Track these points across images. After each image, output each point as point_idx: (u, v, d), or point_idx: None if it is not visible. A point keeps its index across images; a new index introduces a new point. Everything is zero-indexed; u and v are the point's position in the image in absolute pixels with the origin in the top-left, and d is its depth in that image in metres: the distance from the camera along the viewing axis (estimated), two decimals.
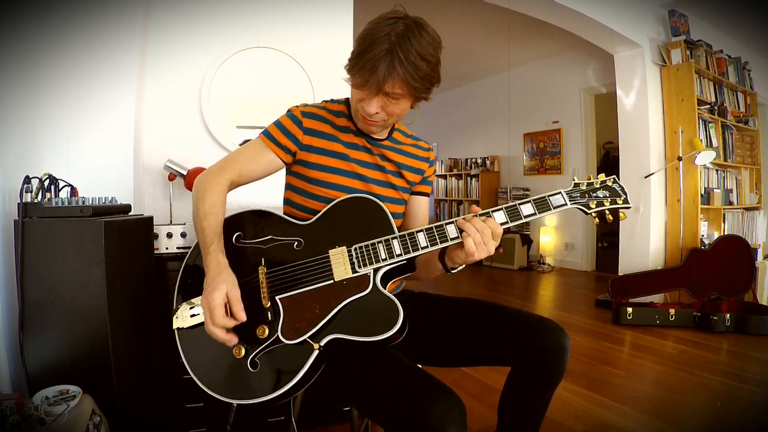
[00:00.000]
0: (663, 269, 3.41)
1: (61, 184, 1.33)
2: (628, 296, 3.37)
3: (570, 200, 0.95)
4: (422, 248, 0.91)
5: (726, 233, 3.78)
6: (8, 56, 1.35)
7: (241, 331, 0.92)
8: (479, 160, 6.35)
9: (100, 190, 1.46)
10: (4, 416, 0.96)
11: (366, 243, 0.92)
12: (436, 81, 0.96)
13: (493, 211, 0.93)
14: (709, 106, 3.81)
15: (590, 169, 5.20)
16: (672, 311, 3.04)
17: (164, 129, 1.94)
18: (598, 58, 4.76)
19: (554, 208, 0.94)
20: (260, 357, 0.88)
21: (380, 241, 0.92)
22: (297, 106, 1.08)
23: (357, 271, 0.90)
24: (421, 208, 1.19)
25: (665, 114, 3.79)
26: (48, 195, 1.28)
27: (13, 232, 1.18)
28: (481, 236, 0.89)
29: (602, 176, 0.99)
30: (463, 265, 0.99)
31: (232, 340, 0.87)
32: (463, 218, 0.92)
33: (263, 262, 0.96)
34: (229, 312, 0.86)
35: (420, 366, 0.92)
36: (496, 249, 0.93)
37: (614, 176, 0.99)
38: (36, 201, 1.24)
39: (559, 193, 0.95)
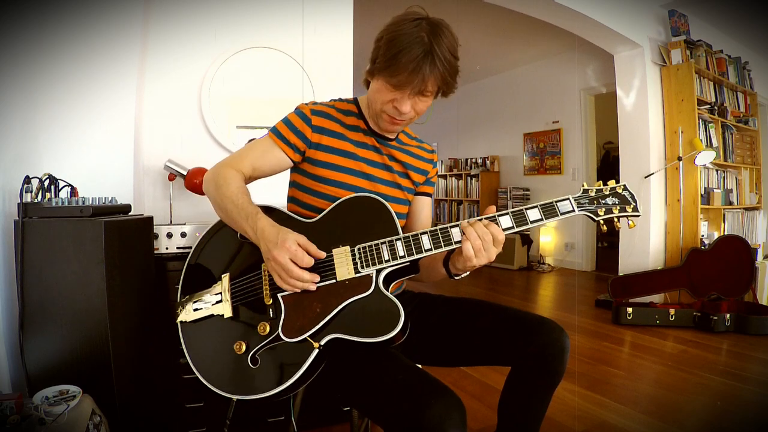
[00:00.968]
0: (663, 269, 3.41)
1: (61, 184, 1.33)
2: (628, 296, 3.37)
3: (578, 207, 0.93)
4: (426, 251, 0.90)
5: (726, 233, 3.77)
6: (8, 56, 1.35)
7: (243, 327, 0.92)
8: (479, 160, 6.36)
9: (100, 190, 1.46)
10: (4, 416, 0.96)
11: (369, 243, 0.91)
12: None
13: (499, 216, 0.91)
14: (709, 106, 3.81)
15: (590, 169, 5.20)
16: (672, 311, 3.04)
17: (164, 129, 1.94)
18: (598, 58, 4.76)
19: (562, 214, 0.92)
20: (261, 354, 0.89)
21: (384, 242, 0.91)
22: (306, 104, 1.07)
23: (360, 272, 0.90)
24: (425, 208, 1.19)
25: (665, 114, 3.79)
26: (48, 195, 1.28)
27: (13, 232, 1.18)
28: (482, 242, 0.88)
29: (612, 183, 0.97)
30: (467, 272, 0.98)
31: (316, 277, 0.88)
32: (468, 222, 0.90)
33: None
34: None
35: (420, 366, 0.92)
36: None
37: (624, 183, 0.97)
38: (36, 201, 1.24)
39: (567, 199, 0.93)
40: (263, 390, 0.86)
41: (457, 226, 0.91)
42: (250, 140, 1.19)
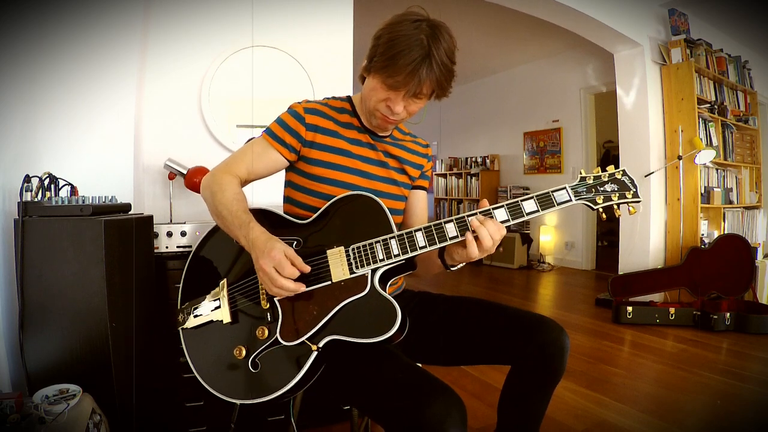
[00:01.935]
0: (663, 268, 3.41)
1: (61, 183, 1.33)
2: (628, 295, 3.37)
3: (575, 196, 0.91)
4: (420, 248, 0.89)
5: (726, 232, 3.77)
6: (8, 56, 1.35)
7: (242, 332, 0.92)
8: (479, 159, 6.35)
9: (100, 189, 1.46)
10: (4, 415, 0.96)
11: (363, 243, 0.91)
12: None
13: (494, 209, 0.90)
14: (709, 105, 3.81)
15: (590, 168, 5.19)
16: (672, 310, 3.04)
17: (164, 128, 1.94)
18: (598, 57, 4.76)
19: (558, 204, 0.90)
20: (260, 358, 0.89)
21: (378, 241, 0.90)
22: (299, 102, 1.07)
23: (355, 272, 0.89)
24: (420, 202, 1.19)
25: (665, 113, 3.79)
26: (48, 194, 1.28)
27: (13, 231, 1.18)
28: (493, 243, 0.88)
29: (611, 168, 0.94)
30: (463, 263, 0.98)
31: (301, 287, 0.87)
32: (476, 219, 0.89)
33: None
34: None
35: (420, 365, 0.92)
36: (497, 248, 0.92)
37: (624, 168, 0.94)
38: (36, 200, 1.24)
39: (564, 188, 0.90)
40: (265, 394, 0.86)
41: (451, 221, 0.90)
42: (249, 139, 1.19)
